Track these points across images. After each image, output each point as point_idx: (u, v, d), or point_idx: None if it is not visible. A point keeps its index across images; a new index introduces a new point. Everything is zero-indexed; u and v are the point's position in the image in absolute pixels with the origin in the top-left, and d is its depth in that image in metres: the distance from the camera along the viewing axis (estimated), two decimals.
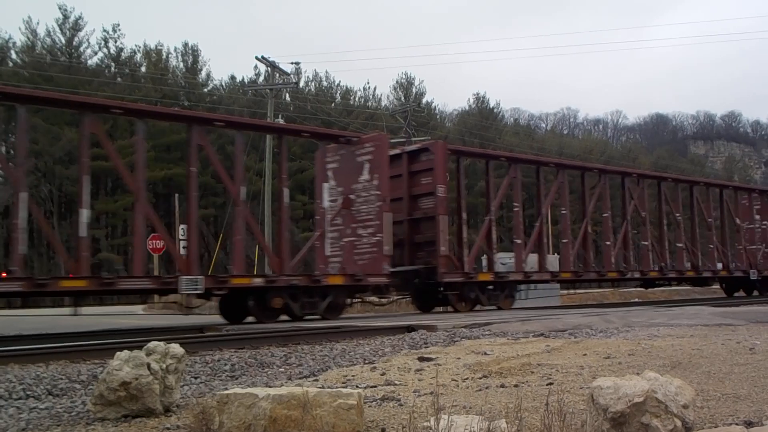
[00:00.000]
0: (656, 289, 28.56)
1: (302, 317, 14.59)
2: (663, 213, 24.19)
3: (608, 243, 21.96)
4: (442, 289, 17.49)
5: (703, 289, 32.54)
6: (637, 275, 23.00)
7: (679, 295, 33.20)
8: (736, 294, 27.62)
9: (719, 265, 25.67)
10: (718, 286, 29.86)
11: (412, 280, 17.85)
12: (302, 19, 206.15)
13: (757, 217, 28.03)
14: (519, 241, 19.77)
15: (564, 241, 21.22)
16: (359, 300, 17.28)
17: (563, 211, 21.52)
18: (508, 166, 20.29)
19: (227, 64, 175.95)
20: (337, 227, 16.46)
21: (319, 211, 16.87)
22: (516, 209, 20.34)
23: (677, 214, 24.48)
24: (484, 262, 22.74)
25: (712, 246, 25.64)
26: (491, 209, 19.25)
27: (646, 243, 23.40)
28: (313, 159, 22.41)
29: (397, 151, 19.15)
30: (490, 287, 18.55)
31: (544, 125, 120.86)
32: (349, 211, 16.23)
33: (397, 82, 68.50)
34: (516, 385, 5.24)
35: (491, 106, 77.56)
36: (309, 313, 14.75)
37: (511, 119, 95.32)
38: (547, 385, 5.21)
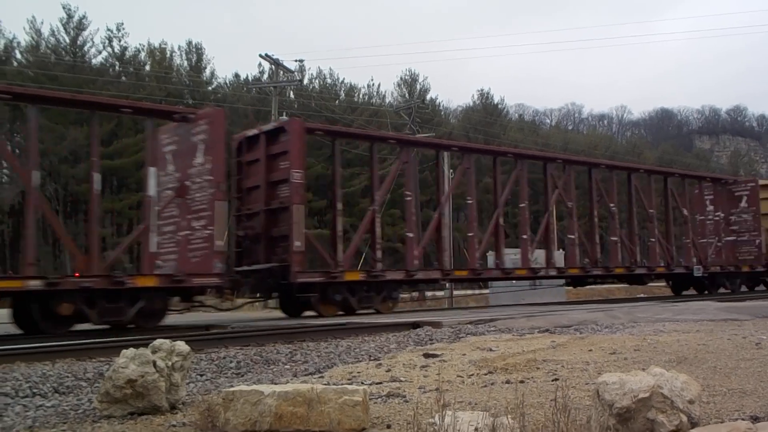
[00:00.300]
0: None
1: (108, 326, 12.54)
2: (594, 204, 21.86)
3: (525, 237, 19.73)
4: (311, 291, 15.32)
5: (647, 289, 30.22)
6: (552, 273, 20.58)
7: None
8: (684, 292, 25.23)
9: (661, 262, 23.42)
10: (664, 284, 27.57)
11: (267, 280, 15.59)
12: (303, 19, 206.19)
13: (711, 207, 25.60)
14: (411, 235, 17.49)
15: (470, 234, 19.08)
16: (197, 304, 14.70)
17: (469, 201, 19.06)
18: (399, 151, 18.12)
19: (231, 62, 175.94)
20: (172, 219, 14.14)
21: (144, 201, 14.31)
22: (409, 199, 17.74)
23: (611, 205, 22.10)
24: (491, 260, 21.58)
25: (653, 240, 23.29)
26: (375, 199, 16.96)
27: (572, 237, 20.93)
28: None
29: (255, 131, 16.90)
30: (363, 288, 16.12)
31: (548, 121, 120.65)
32: (184, 200, 13.98)
33: (401, 78, 68.23)
34: (521, 381, 5.23)
35: (495, 102, 77.37)
36: (112, 321, 12.52)
37: (516, 115, 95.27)
38: (552, 381, 5.20)
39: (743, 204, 25.97)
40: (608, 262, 22.33)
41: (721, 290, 24.63)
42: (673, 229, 24.82)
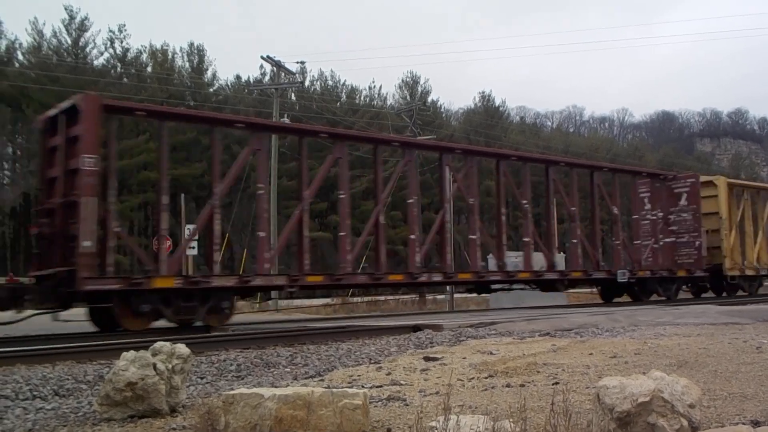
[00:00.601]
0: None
1: None
2: (500, 200, 18.93)
3: (413, 237, 17.10)
4: (108, 300, 12.73)
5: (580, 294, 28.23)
6: (438, 278, 17.42)
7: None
8: (617, 299, 22.64)
9: (581, 266, 20.56)
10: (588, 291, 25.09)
11: (58, 287, 12.82)
12: (304, 20, 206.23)
13: (648, 206, 22.86)
14: (263, 235, 14.88)
15: (341, 234, 16.31)
16: None
17: (341, 195, 16.24)
18: (250, 138, 15.47)
19: (233, 63, 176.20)
20: None
21: None
22: (261, 192, 15.30)
23: (524, 202, 19.37)
24: (491, 262, 19.99)
25: (575, 241, 20.30)
26: (215, 193, 14.52)
27: (473, 237, 18.08)
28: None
29: (55, 111, 13.99)
30: (181, 297, 13.35)
31: (550, 123, 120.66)
32: None
33: (402, 80, 68.36)
34: (522, 385, 5.23)
35: (497, 105, 77.50)
36: None
37: (517, 117, 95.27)
38: (552, 384, 5.20)
39: (683, 202, 23.11)
40: (504, 266, 18.96)
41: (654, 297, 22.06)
42: (600, 229, 22.20)
